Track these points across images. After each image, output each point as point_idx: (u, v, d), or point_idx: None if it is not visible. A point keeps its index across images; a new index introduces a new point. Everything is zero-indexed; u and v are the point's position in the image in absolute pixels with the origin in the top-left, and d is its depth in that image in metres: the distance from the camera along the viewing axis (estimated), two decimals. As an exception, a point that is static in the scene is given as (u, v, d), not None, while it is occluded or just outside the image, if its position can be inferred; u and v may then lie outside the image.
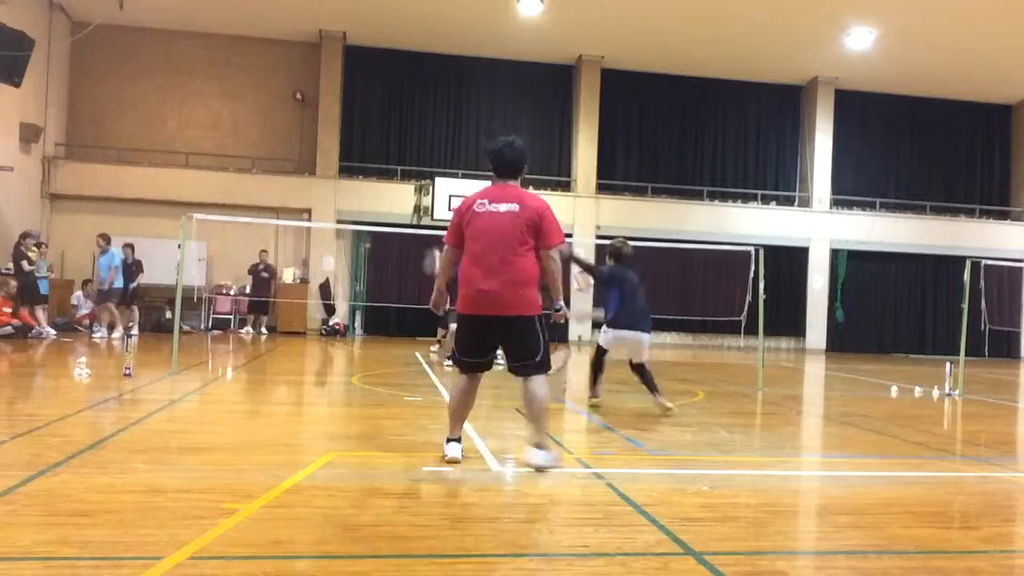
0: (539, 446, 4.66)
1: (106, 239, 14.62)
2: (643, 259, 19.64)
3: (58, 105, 18.78)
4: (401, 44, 20.00)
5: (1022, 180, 22.79)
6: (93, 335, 14.59)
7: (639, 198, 20.82)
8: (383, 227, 15.58)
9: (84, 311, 16.39)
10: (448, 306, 5.13)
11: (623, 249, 8.13)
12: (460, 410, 4.88)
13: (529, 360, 4.63)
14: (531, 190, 22.21)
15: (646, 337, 7.61)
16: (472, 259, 4.66)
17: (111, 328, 14.63)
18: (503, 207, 4.65)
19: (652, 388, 7.62)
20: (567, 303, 4.64)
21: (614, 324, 7.67)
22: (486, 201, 4.72)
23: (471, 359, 4.80)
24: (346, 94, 20.10)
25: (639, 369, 7.73)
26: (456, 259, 4.86)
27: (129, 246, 15.43)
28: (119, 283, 14.59)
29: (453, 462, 4.74)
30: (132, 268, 15.25)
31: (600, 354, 7.96)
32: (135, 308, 15.44)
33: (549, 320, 4.81)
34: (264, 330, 17.95)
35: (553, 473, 4.73)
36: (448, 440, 4.88)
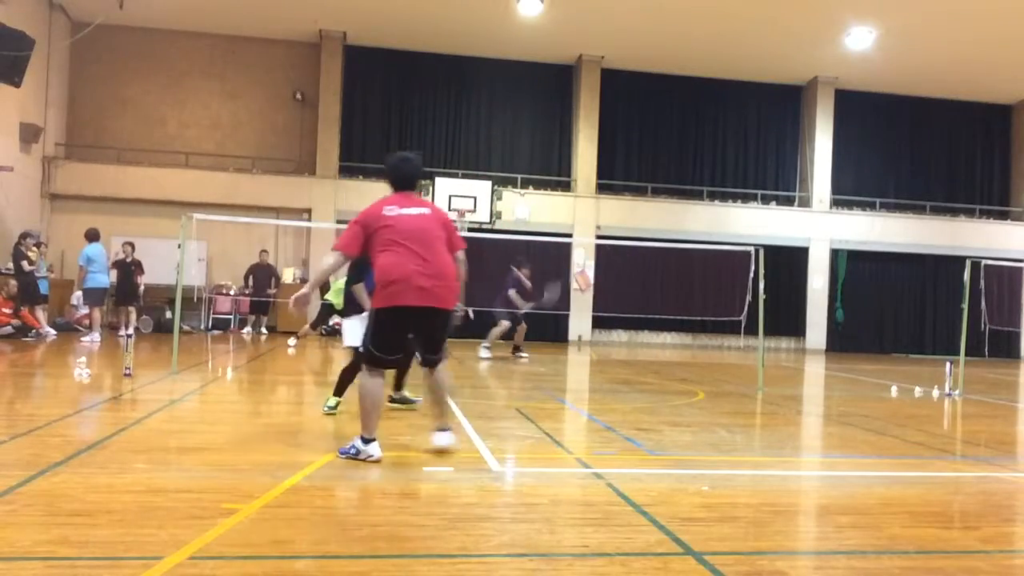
0: (444, 428, 5.08)
1: (88, 236, 14.11)
2: (643, 259, 19.80)
3: (58, 105, 18.78)
4: (401, 44, 20.00)
5: (1022, 180, 22.78)
6: (82, 339, 13.99)
7: (639, 198, 20.82)
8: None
9: (83, 311, 16.37)
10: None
11: None
12: (379, 410, 4.97)
13: (440, 352, 5.04)
14: (531, 190, 22.07)
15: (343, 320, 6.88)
16: (404, 258, 4.78)
17: (115, 330, 14.46)
18: (416, 210, 4.94)
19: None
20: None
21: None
22: (395, 207, 4.94)
23: (394, 356, 4.93)
24: (346, 94, 20.10)
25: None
26: (340, 268, 5.07)
27: (129, 244, 15.20)
28: (91, 283, 13.96)
29: (378, 461, 4.77)
30: (132, 267, 15.09)
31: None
32: (132, 309, 15.21)
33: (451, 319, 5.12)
34: (264, 330, 17.96)
35: (549, 473, 4.74)
36: (368, 440, 4.83)
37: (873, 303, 21.81)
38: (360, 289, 6.40)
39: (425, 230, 4.87)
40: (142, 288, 15.28)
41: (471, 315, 5.03)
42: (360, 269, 6.39)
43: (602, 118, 20.69)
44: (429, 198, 18.63)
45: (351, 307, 6.58)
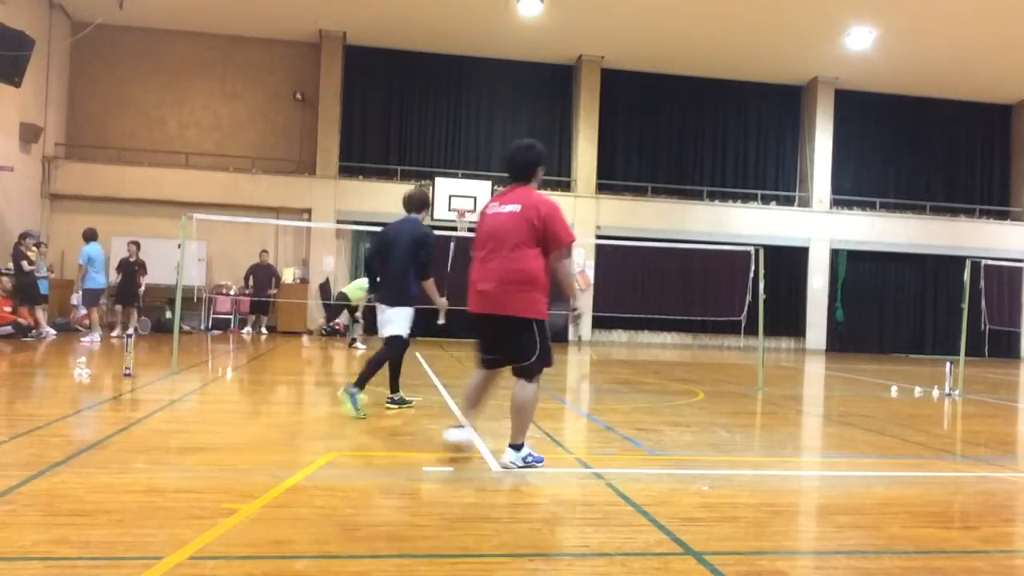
0: (512, 445, 4.80)
1: (87, 236, 13.99)
2: (643, 259, 19.85)
3: (58, 105, 18.78)
4: (401, 44, 20.00)
5: (1022, 180, 22.79)
6: (82, 339, 13.81)
7: (639, 198, 20.82)
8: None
9: (84, 311, 16.36)
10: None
11: (405, 195, 7.14)
12: (476, 399, 5.00)
13: (520, 362, 4.69)
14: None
15: (388, 311, 6.79)
16: (476, 262, 4.79)
17: (111, 328, 14.41)
18: (506, 208, 4.71)
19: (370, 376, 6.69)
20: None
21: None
22: (497, 203, 4.83)
23: (483, 355, 4.90)
24: (346, 94, 20.10)
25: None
26: None
27: (134, 243, 15.15)
28: (90, 283, 13.80)
29: (457, 448, 4.92)
30: (136, 267, 15.05)
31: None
32: (134, 310, 15.16)
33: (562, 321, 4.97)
34: (264, 330, 17.95)
35: (549, 473, 4.74)
36: (456, 426, 5.05)
37: (873, 303, 21.82)
38: (431, 286, 6.68)
39: (501, 232, 4.63)
40: (143, 288, 15.24)
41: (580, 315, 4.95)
42: (423, 266, 6.63)
43: (602, 118, 20.69)
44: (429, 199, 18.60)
45: (400, 297, 6.64)
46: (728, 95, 21.66)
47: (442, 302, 6.75)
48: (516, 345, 4.66)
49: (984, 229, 21.91)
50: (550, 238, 4.61)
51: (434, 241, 6.72)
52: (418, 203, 6.98)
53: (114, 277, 15.23)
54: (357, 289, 14.40)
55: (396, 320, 6.68)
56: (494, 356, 4.82)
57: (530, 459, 4.78)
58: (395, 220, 7.05)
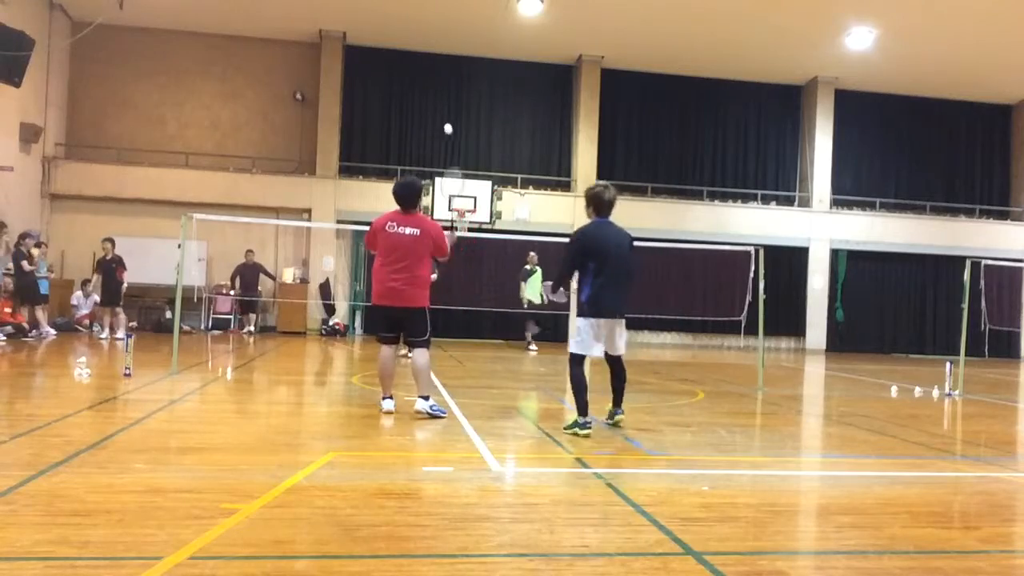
0: (426, 397, 6.41)
1: None
2: (643, 259, 19.78)
3: (58, 105, 18.77)
4: (401, 44, 19.99)
5: (1022, 180, 22.79)
6: None
7: (639, 198, 20.78)
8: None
9: (84, 311, 16.37)
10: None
11: (603, 195, 6.40)
12: (391, 374, 6.67)
13: (419, 337, 6.52)
14: (531, 190, 22.02)
15: (621, 322, 6.26)
16: (386, 266, 6.42)
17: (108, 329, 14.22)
18: (407, 230, 6.43)
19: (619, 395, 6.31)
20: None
21: (588, 310, 6.06)
22: (395, 224, 6.46)
23: (387, 334, 6.63)
24: (346, 94, 20.10)
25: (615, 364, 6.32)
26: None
27: (109, 241, 14.90)
28: None
29: (389, 413, 6.46)
30: (114, 266, 14.74)
31: (577, 365, 6.24)
32: (120, 311, 14.99)
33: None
34: (252, 328, 17.76)
35: (549, 473, 4.75)
36: (385, 398, 6.59)
37: (873, 303, 21.80)
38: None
39: (408, 249, 6.39)
40: (125, 286, 15.06)
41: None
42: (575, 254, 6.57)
43: (602, 118, 20.68)
44: (429, 199, 18.66)
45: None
46: (728, 95, 21.65)
47: None
48: (420, 326, 6.48)
49: (984, 229, 21.90)
50: (439, 249, 6.55)
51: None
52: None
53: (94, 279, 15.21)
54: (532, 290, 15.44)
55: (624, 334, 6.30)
56: (395, 334, 6.59)
57: (435, 408, 6.39)
58: (593, 224, 6.38)
